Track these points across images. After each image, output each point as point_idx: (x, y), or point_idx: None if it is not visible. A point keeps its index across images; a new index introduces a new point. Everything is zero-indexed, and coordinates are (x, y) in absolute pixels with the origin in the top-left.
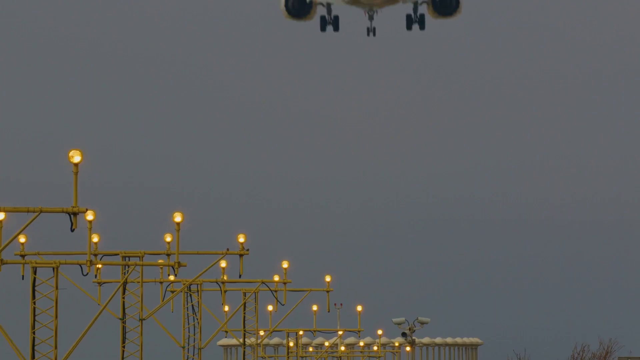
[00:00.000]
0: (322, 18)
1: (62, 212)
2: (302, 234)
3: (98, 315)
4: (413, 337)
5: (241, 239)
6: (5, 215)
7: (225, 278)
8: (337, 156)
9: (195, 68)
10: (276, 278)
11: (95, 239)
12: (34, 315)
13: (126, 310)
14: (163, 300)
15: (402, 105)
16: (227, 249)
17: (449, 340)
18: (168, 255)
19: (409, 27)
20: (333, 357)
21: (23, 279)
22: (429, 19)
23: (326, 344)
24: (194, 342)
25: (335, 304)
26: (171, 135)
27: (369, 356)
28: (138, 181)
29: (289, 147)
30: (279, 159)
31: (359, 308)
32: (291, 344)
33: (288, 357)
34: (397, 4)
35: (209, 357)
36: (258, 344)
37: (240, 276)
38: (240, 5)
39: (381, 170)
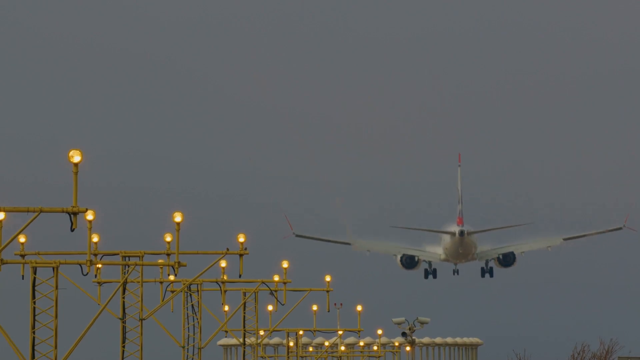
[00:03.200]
0: (425, 270)
1: (62, 212)
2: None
3: (98, 315)
4: (413, 337)
5: (241, 239)
6: (5, 215)
7: (225, 278)
8: (337, 157)
9: (196, 68)
10: (276, 278)
11: (95, 239)
12: (34, 315)
13: (126, 310)
14: (163, 300)
15: (403, 109)
16: (227, 249)
17: (449, 340)
18: (168, 255)
19: (482, 275)
20: (333, 357)
21: (23, 279)
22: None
23: (326, 344)
24: (194, 342)
25: (335, 304)
26: (171, 136)
27: (369, 356)
28: (138, 181)
29: (289, 148)
30: (280, 159)
31: (359, 308)
32: (291, 343)
33: (288, 357)
34: (474, 261)
35: (209, 357)
36: (258, 344)
37: (240, 276)
38: (238, 6)
39: (381, 172)
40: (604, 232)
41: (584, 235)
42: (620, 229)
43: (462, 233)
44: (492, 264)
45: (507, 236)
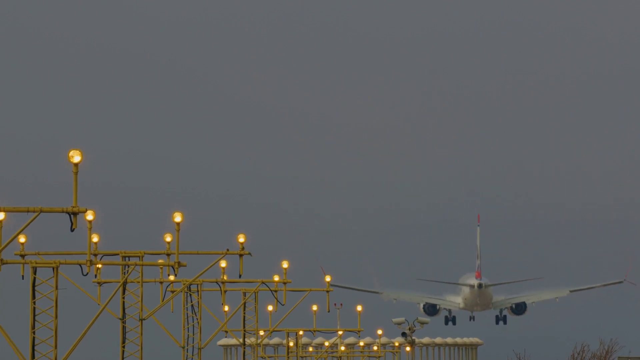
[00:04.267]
0: (446, 317)
1: (62, 212)
2: (302, 234)
3: (98, 315)
4: (413, 337)
5: (241, 239)
6: (5, 215)
7: (225, 278)
8: (337, 157)
9: (196, 68)
10: (276, 278)
11: (95, 239)
12: (34, 315)
13: (126, 310)
14: (163, 300)
15: (403, 111)
16: (227, 249)
17: (449, 340)
18: (168, 255)
19: (497, 323)
20: (333, 357)
21: (23, 279)
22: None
23: (326, 344)
24: (194, 342)
25: (335, 304)
26: (171, 136)
27: (369, 356)
28: (138, 181)
29: (290, 149)
30: (280, 159)
31: (359, 308)
32: (291, 344)
33: (288, 357)
34: (490, 309)
35: (209, 357)
36: (258, 344)
37: (240, 276)
38: (238, 6)
39: (381, 172)
40: (606, 285)
41: (588, 288)
42: (621, 282)
43: (480, 286)
44: (505, 312)
45: (519, 287)
